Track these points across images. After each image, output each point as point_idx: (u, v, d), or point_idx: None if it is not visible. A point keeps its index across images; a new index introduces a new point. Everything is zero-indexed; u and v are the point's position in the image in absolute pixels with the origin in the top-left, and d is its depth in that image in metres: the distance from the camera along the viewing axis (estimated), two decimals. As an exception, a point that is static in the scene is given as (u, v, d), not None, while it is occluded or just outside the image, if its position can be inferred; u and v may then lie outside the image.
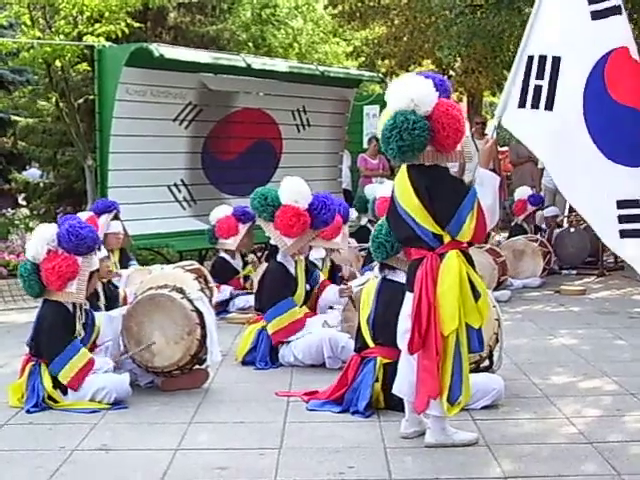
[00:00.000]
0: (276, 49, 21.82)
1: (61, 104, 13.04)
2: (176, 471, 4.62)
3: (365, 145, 14.94)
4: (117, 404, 5.78)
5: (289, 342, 6.87)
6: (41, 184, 16.87)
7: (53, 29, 12.51)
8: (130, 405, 5.83)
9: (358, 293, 6.22)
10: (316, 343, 6.74)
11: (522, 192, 12.06)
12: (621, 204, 4.72)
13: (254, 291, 7.87)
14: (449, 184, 4.82)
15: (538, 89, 4.93)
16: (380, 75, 16.20)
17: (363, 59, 19.21)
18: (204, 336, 6.09)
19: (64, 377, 5.75)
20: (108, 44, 11.45)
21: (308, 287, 7.22)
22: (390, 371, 5.33)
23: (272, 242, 7.30)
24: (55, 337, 5.79)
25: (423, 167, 4.78)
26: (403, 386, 5.02)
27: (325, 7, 20.11)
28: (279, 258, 7.12)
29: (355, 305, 6.66)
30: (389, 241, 5.43)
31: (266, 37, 21.64)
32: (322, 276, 7.65)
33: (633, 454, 4.76)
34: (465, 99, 20.60)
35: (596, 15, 4.88)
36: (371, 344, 5.63)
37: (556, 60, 4.91)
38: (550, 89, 4.89)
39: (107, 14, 12.13)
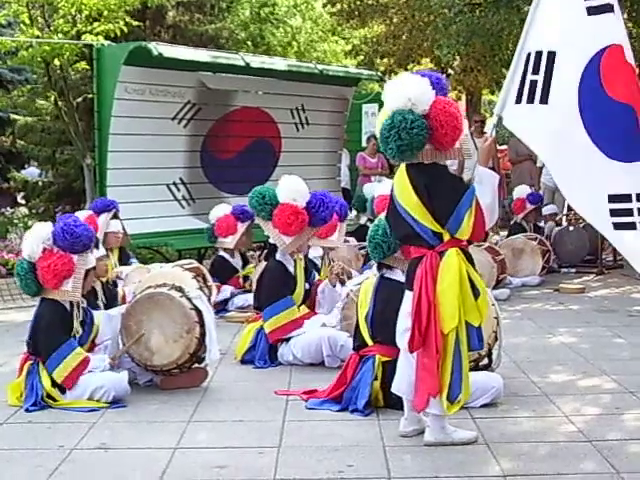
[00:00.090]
0: (275, 48, 21.81)
1: (60, 103, 13.03)
2: (175, 470, 4.62)
3: (364, 144, 14.95)
4: (116, 403, 5.78)
5: (288, 341, 6.87)
6: (40, 183, 16.87)
7: (52, 28, 12.51)
8: (129, 404, 5.83)
9: (357, 292, 6.22)
10: (315, 342, 6.74)
11: (521, 191, 12.07)
12: (612, 198, 4.76)
13: (253, 290, 7.87)
14: (448, 182, 4.82)
15: (533, 84, 4.96)
16: (379, 73, 16.21)
17: (362, 57, 19.18)
18: (203, 334, 6.10)
19: (58, 376, 5.75)
20: (107, 43, 11.44)
21: (307, 286, 7.22)
22: (389, 369, 5.33)
23: (271, 241, 7.30)
24: (52, 335, 5.79)
25: (422, 165, 4.78)
26: (402, 384, 5.02)
27: (324, 5, 20.07)
28: (278, 257, 7.12)
29: (343, 275, 7.07)
30: (386, 241, 5.43)
31: (265, 36, 21.61)
32: (317, 276, 7.66)
33: (632, 452, 4.76)
34: (464, 97, 20.57)
35: (592, 11, 4.92)
36: (370, 342, 5.63)
37: (551, 55, 4.94)
38: (545, 83, 4.92)
39: (106, 13, 12.12)
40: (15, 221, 14.15)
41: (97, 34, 11.88)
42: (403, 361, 5.00)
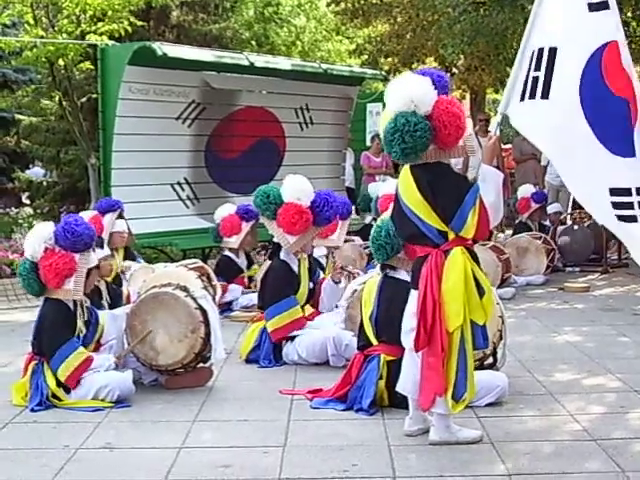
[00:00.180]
0: (279, 47, 21.84)
1: (64, 103, 13.06)
2: (180, 469, 4.62)
3: (368, 143, 14.95)
4: (120, 402, 5.78)
5: (293, 340, 6.87)
6: (44, 183, 16.92)
7: (56, 28, 12.54)
8: (134, 403, 5.83)
9: (360, 291, 6.22)
10: (320, 341, 6.74)
11: (525, 190, 12.05)
12: (613, 191, 4.78)
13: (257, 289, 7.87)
14: (452, 180, 4.81)
15: (535, 80, 4.99)
16: (383, 73, 16.21)
17: (366, 57, 19.17)
18: (208, 334, 6.09)
19: (61, 375, 5.76)
20: (111, 43, 11.47)
21: (311, 285, 7.22)
22: (394, 369, 5.33)
23: (275, 240, 7.30)
24: (56, 335, 5.80)
25: (426, 164, 4.78)
26: (407, 384, 5.01)
27: (328, 5, 20.06)
28: (282, 256, 7.12)
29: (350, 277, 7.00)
30: (389, 243, 5.43)
31: (269, 35, 21.65)
32: (322, 274, 7.66)
33: (637, 451, 4.75)
34: (468, 96, 20.56)
35: (593, 7, 4.94)
36: (374, 342, 5.63)
37: (552, 50, 4.95)
38: (546, 78, 4.95)
39: (110, 13, 12.16)
40: (20, 221, 14.19)
41: (101, 34, 11.92)
42: (408, 360, 5.00)
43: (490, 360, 6.04)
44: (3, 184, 20.55)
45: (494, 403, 5.57)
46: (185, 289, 6.20)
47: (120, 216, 9.12)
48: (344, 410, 5.55)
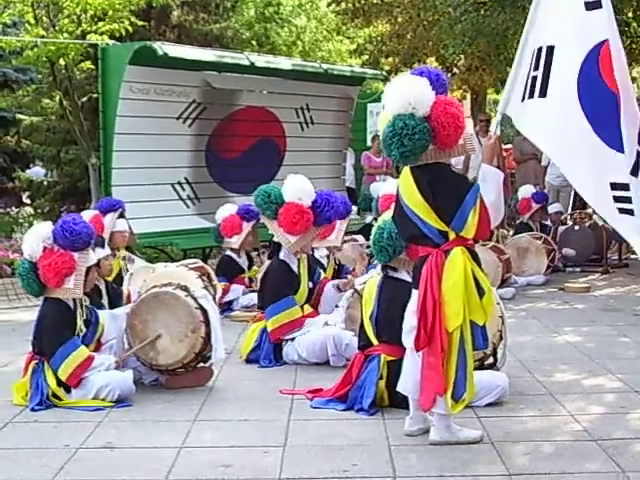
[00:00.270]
0: (279, 47, 21.85)
1: (65, 102, 13.06)
2: (181, 469, 4.62)
3: (369, 143, 14.95)
4: (121, 402, 5.79)
5: (293, 340, 6.87)
6: (45, 182, 16.93)
7: (57, 27, 12.53)
8: (134, 403, 5.83)
9: (361, 290, 6.22)
10: (320, 341, 6.74)
11: (526, 190, 12.05)
12: (614, 186, 4.83)
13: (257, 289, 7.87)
14: (452, 180, 4.81)
15: (534, 79, 5.01)
16: (384, 73, 16.20)
17: (367, 57, 19.17)
18: (208, 334, 6.10)
19: (62, 374, 5.77)
20: (112, 42, 11.46)
21: (311, 285, 7.22)
22: (394, 369, 5.33)
23: (275, 239, 7.30)
24: (56, 334, 5.80)
25: (426, 165, 4.78)
26: (408, 384, 5.01)
27: (328, 4, 20.05)
28: (282, 256, 7.11)
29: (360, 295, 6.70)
30: (391, 245, 5.43)
31: (270, 35, 21.66)
32: (322, 274, 7.65)
33: (637, 451, 4.75)
34: (469, 97, 20.56)
35: (589, 6, 4.97)
36: (375, 342, 5.63)
37: (550, 49, 4.98)
38: (544, 77, 4.97)
39: (111, 12, 12.15)
40: (20, 221, 14.20)
41: (102, 34, 11.91)
42: (409, 360, 5.00)
43: (490, 360, 6.04)
44: (4, 183, 20.57)
45: (494, 403, 5.57)
46: (185, 289, 6.20)
47: (121, 216, 9.12)
48: (344, 410, 5.55)
